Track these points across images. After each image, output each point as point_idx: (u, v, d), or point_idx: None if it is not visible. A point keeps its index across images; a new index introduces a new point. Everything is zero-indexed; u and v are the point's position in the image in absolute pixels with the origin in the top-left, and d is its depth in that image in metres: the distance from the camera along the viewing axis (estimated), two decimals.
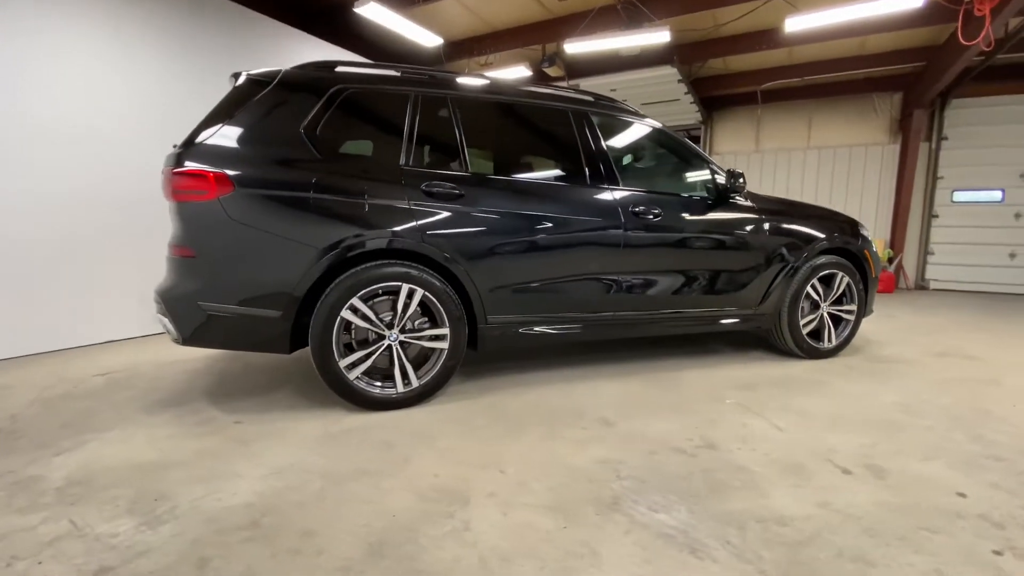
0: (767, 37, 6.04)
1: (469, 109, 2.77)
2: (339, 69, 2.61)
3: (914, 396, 2.84)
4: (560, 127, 2.98)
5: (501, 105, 2.92)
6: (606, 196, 2.90)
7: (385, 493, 1.73)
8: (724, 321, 3.32)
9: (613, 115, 3.18)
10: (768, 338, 3.67)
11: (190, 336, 2.26)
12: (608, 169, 2.97)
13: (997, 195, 7.77)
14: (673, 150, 3.36)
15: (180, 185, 2.20)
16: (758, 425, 2.38)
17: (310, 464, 1.92)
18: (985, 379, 3.21)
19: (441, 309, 2.50)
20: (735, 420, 2.44)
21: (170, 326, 2.27)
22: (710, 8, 5.44)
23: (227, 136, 2.26)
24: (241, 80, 2.45)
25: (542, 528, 1.54)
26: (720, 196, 3.24)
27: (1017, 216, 7.66)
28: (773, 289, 3.35)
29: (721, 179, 3.23)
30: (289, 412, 2.46)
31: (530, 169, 2.99)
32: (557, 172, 2.95)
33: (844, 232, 3.57)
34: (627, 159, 3.44)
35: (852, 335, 3.69)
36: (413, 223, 2.45)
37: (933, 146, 8.06)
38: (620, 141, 3.21)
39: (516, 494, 1.73)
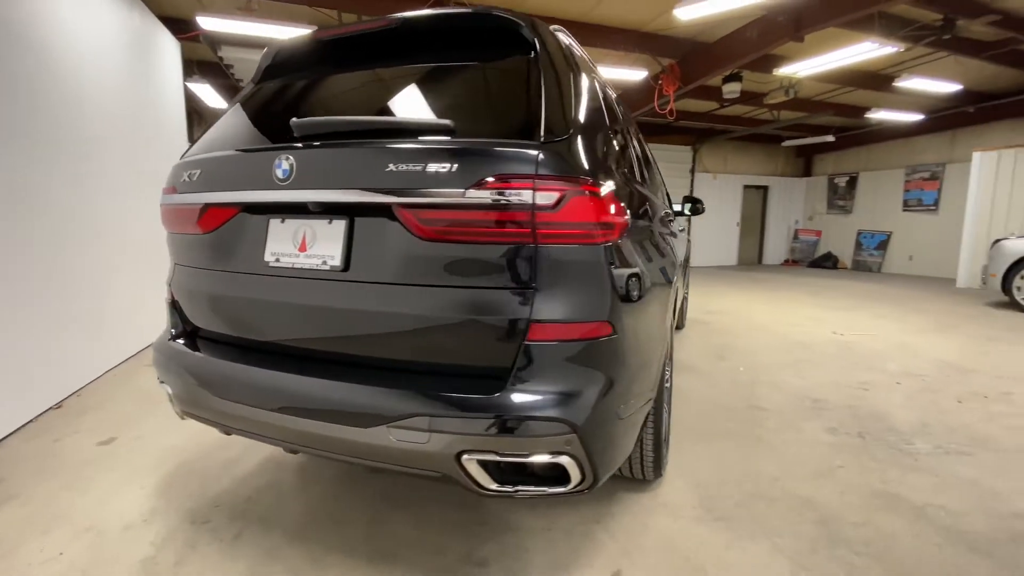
0: None
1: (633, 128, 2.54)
2: None
3: (800, 341, 4.62)
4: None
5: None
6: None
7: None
8: None
9: None
10: None
11: (604, 475, 1.30)
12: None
13: None
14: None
15: (588, 214, 1.20)
16: (830, 396, 3.45)
17: None
18: (761, 325, 5.45)
19: None
20: (842, 379, 3.42)
21: (581, 466, 1.21)
22: None
23: (574, 135, 1.31)
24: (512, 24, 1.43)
25: None
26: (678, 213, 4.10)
27: None
28: (686, 282, 4.54)
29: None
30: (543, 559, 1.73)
31: None
32: None
33: None
34: None
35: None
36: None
37: None
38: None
39: None
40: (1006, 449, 2.41)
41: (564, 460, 1.20)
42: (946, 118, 9.87)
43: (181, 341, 1.64)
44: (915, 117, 9.54)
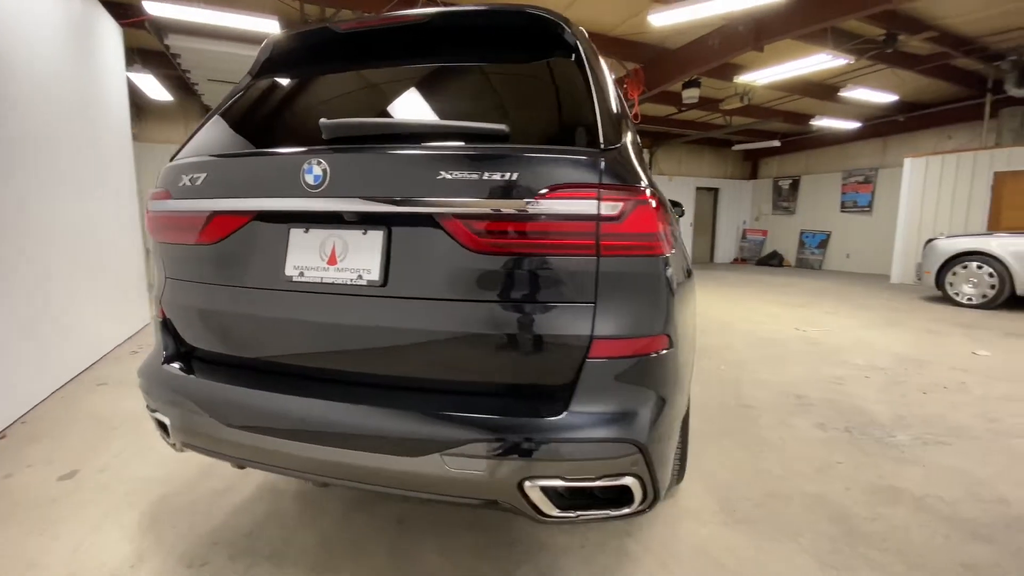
0: None
1: None
2: None
3: (767, 338, 4.79)
4: None
5: None
6: None
7: None
8: None
9: None
10: None
11: (663, 492, 1.25)
12: None
13: None
14: None
15: (650, 224, 1.16)
16: (829, 385, 3.58)
17: None
18: (727, 323, 5.64)
19: None
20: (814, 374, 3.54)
21: (644, 486, 1.16)
22: None
23: (625, 142, 1.27)
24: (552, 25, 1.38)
25: None
26: None
27: None
28: None
29: None
30: None
31: None
32: None
33: None
34: None
35: None
36: None
37: None
38: None
39: None
40: (976, 437, 2.59)
41: (628, 481, 1.15)
42: (878, 126, 10.66)
43: (177, 365, 1.46)
44: (852, 125, 10.25)
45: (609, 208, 1.11)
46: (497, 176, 1.10)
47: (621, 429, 1.12)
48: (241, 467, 1.42)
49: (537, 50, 1.39)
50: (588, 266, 1.13)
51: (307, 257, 1.27)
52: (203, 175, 1.34)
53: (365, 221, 1.23)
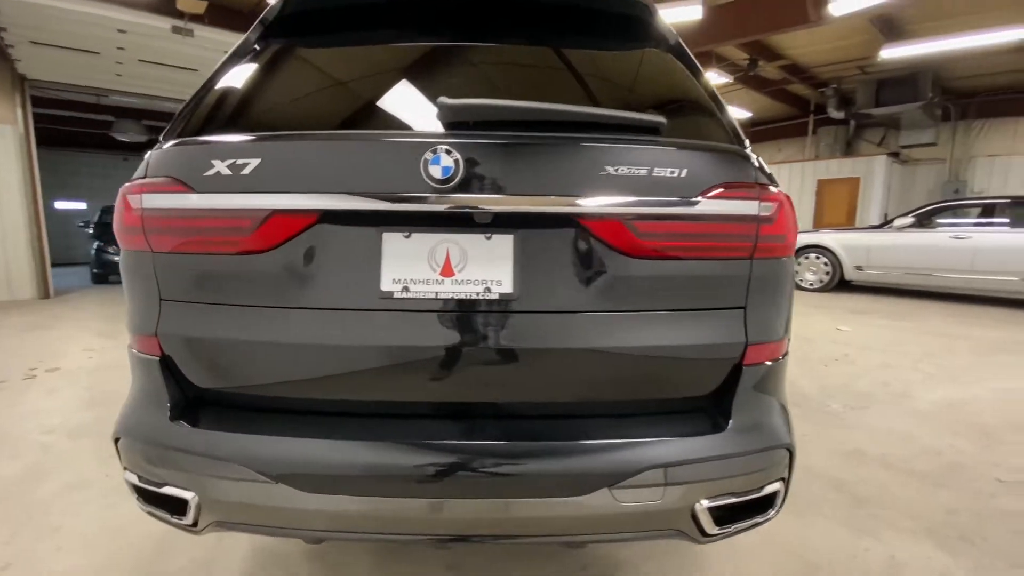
0: None
1: None
2: None
3: None
4: None
5: None
6: None
7: None
8: None
9: None
10: None
11: None
12: None
13: None
14: None
15: (790, 225, 1.14)
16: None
17: None
18: None
19: None
20: None
21: (786, 488, 1.13)
22: None
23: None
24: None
25: None
26: None
27: None
28: None
29: None
30: None
31: None
32: None
33: None
34: None
35: None
36: None
37: None
38: None
39: None
40: (882, 400, 3.12)
41: (777, 486, 1.14)
42: None
43: (192, 419, 1.09)
44: None
45: (765, 209, 1.08)
46: (666, 173, 1.01)
47: (776, 435, 1.11)
48: (318, 541, 1.11)
49: (638, 39, 1.31)
50: (743, 269, 1.09)
51: (412, 268, 1.03)
52: (254, 161, 1.00)
53: (494, 223, 1.03)
